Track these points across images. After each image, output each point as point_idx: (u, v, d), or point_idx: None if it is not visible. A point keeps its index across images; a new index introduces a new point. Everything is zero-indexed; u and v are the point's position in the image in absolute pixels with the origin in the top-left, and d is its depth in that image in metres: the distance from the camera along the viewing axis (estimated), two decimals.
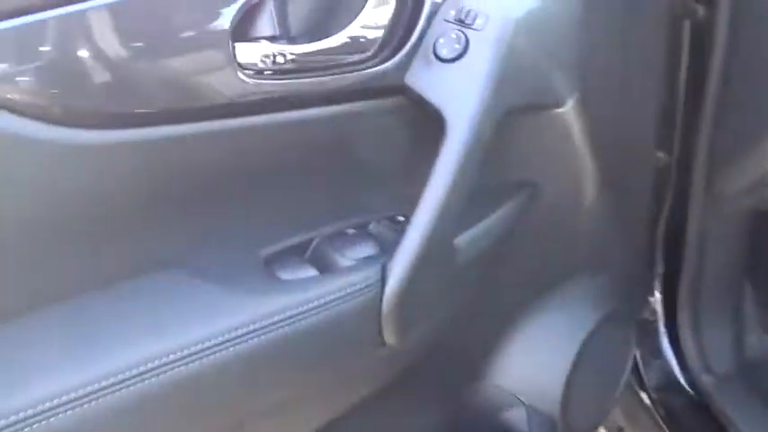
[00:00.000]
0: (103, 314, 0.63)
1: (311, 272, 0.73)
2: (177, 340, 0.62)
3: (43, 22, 0.59)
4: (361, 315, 0.71)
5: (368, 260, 0.75)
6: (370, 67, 0.75)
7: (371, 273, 0.72)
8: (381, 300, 0.72)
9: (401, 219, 0.83)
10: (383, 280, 0.72)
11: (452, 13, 0.76)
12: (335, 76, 0.73)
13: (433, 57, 0.75)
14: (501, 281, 0.94)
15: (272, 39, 0.68)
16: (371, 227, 0.81)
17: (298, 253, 0.75)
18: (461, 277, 0.83)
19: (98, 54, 0.61)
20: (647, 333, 1.26)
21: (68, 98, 0.61)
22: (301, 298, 0.68)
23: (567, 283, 1.04)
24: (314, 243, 0.77)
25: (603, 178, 0.96)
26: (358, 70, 0.74)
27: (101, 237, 0.65)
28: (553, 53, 0.81)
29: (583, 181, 0.94)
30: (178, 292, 0.67)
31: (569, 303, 1.05)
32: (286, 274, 0.72)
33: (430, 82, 0.75)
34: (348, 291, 0.71)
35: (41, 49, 0.60)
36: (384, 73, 0.75)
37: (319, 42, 0.71)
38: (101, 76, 0.62)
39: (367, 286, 0.72)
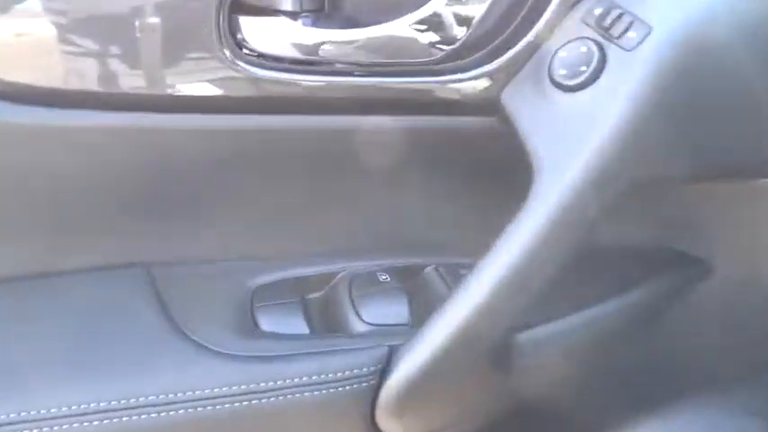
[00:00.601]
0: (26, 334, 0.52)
1: (302, 327, 0.56)
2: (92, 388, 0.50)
3: None
4: (350, 405, 0.53)
5: (387, 332, 0.55)
6: (452, 73, 0.51)
7: (379, 354, 0.53)
8: (379, 390, 0.53)
9: (463, 272, 0.60)
10: (387, 368, 0.52)
11: (597, 12, 0.48)
12: (396, 79, 0.50)
13: (545, 76, 0.49)
14: (628, 371, 0.68)
15: (293, 15, 0.48)
16: (426, 272, 0.60)
17: (300, 291, 0.57)
18: (533, 374, 0.59)
19: (64, 28, 0.47)
20: None
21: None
22: (270, 371, 0.51)
23: (735, 388, 0.74)
24: (329, 284, 0.59)
25: None
26: (431, 75, 0.51)
27: (60, 227, 0.54)
28: None
29: None
30: (129, 318, 0.53)
31: (733, 413, 0.76)
32: (270, 323, 0.55)
33: (530, 111, 0.49)
34: (337, 375, 0.52)
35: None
36: (473, 84, 0.51)
37: (370, 29, 0.49)
38: (67, 52, 0.47)
39: (366, 374, 0.52)
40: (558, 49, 0.48)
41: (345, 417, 0.53)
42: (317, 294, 0.58)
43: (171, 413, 0.50)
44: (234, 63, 0.48)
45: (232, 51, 0.48)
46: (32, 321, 0.53)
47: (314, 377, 0.52)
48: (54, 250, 0.55)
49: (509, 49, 0.51)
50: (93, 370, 0.51)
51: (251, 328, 0.55)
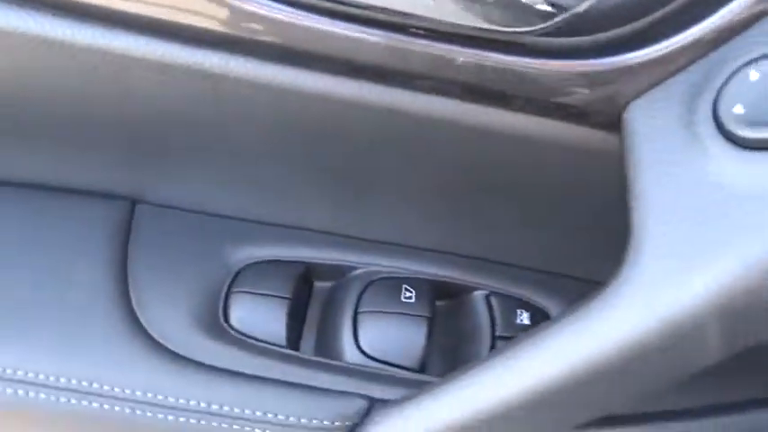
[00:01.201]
0: None
1: (279, 334, 0.42)
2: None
3: None
4: None
5: (381, 374, 0.41)
6: (548, 55, 0.32)
7: (354, 408, 0.39)
8: None
9: (523, 318, 0.43)
10: (357, 428, 0.39)
11: None
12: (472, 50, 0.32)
13: (705, 108, 0.29)
14: None
15: None
16: (473, 297, 0.44)
17: (294, 281, 0.43)
18: None
19: None
20: None
21: None
22: (222, 392, 0.39)
23: None
24: (336, 282, 0.44)
25: None
26: (519, 52, 0.32)
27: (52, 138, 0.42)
28: None
29: None
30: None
31: None
32: (243, 318, 0.42)
33: (659, 154, 0.30)
34: (300, 421, 0.39)
35: None
36: (586, 78, 0.32)
37: None
38: None
39: (329, 428, 0.39)
40: (744, 66, 0.28)
41: None
42: (318, 287, 0.45)
43: (94, 405, 0.40)
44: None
45: None
46: None
47: (269, 415, 0.39)
48: (37, 159, 0.45)
49: (660, 38, 0.30)
50: (19, 323, 0.41)
51: (218, 322, 0.42)
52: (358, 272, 0.44)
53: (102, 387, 0.39)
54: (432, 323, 0.42)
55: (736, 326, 0.28)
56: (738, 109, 0.27)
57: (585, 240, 0.42)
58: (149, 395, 0.39)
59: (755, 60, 0.28)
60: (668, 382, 0.31)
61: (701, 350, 0.29)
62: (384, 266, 0.44)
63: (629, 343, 0.29)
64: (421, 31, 0.32)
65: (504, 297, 0.44)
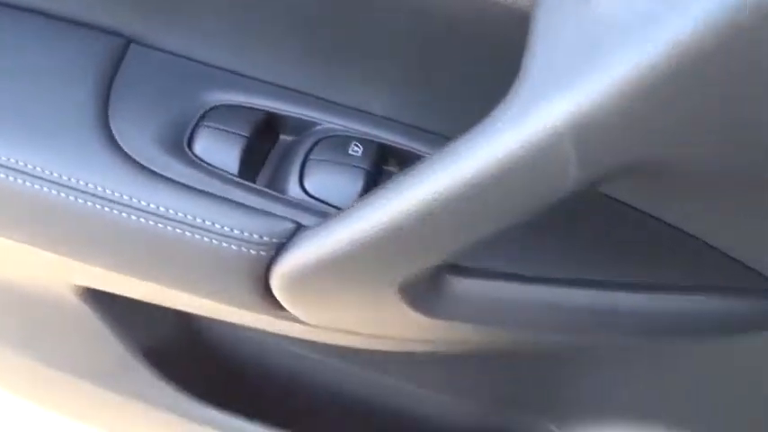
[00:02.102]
0: None
1: (233, 164, 0.47)
2: None
3: None
4: (243, 265, 0.45)
5: (316, 208, 0.45)
6: None
7: (282, 228, 0.44)
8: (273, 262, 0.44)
9: None
10: (285, 246, 0.43)
11: None
12: None
13: None
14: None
15: None
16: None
17: (258, 126, 0.48)
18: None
19: None
20: None
21: None
22: (172, 199, 0.44)
23: None
24: (295, 136, 0.48)
25: None
26: None
27: None
28: None
29: None
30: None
31: None
32: (205, 147, 0.47)
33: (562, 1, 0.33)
34: (233, 232, 0.44)
35: None
36: None
37: None
38: None
39: (259, 243, 0.43)
40: None
41: (238, 273, 0.45)
42: (283, 139, 0.49)
43: (62, 196, 0.45)
44: None
45: None
46: None
47: (207, 223, 0.44)
48: None
49: None
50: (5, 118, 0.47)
51: (182, 147, 0.47)
52: (317, 128, 0.49)
53: (61, 177, 0.44)
54: (370, 177, 0.46)
55: (590, 147, 0.31)
56: None
57: None
58: (107, 191, 0.44)
59: None
60: (532, 209, 0.34)
61: (561, 172, 0.32)
62: (343, 126, 0.48)
63: (500, 161, 0.32)
64: None
65: None
